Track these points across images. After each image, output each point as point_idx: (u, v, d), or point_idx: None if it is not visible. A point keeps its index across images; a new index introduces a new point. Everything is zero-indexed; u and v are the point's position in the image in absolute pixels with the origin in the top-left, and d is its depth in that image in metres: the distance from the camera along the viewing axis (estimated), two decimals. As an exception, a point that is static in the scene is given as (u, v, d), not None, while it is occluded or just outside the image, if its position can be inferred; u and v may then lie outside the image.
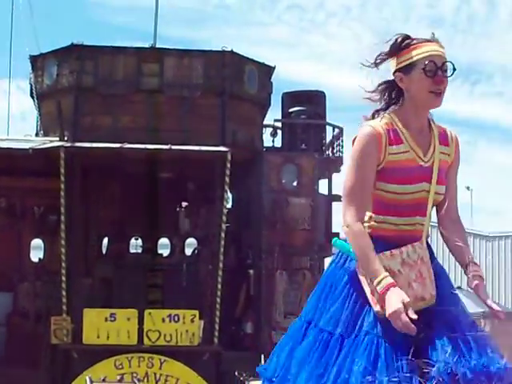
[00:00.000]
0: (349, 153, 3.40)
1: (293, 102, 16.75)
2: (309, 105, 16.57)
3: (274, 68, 15.98)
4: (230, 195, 16.09)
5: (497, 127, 59.83)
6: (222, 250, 14.25)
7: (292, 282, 15.16)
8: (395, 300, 3.07)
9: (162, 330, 13.88)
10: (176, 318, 13.92)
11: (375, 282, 3.13)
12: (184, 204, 16.53)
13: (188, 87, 14.87)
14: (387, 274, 3.15)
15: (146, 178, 15.34)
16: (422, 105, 3.35)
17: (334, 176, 16.67)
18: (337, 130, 16.86)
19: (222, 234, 14.27)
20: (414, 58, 3.30)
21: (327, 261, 16.48)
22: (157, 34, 16.47)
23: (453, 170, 3.50)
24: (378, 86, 3.43)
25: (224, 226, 14.38)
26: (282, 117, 16.79)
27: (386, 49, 3.37)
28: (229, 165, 14.16)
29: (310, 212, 15.44)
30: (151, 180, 15.40)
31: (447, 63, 3.35)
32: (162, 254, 16.62)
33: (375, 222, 3.34)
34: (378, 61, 3.40)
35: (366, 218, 3.33)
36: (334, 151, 16.76)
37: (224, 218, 14.40)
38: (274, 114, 16.86)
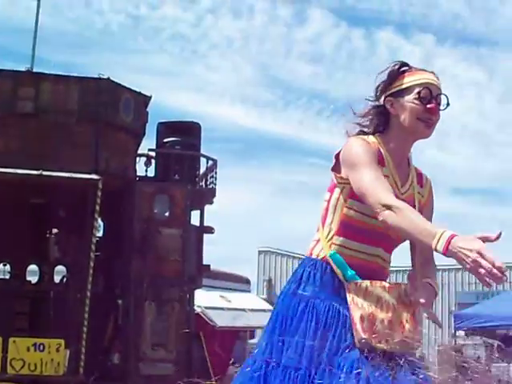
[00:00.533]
0: (346, 158, 3.11)
1: (168, 132, 16.77)
2: (184, 135, 16.62)
3: (150, 97, 16.00)
4: (101, 223, 15.96)
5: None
6: (90, 278, 14.05)
7: (161, 313, 15.10)
8: (473, 241, 2.62)
9: (26, 358, 13.52)
10: (41, 347, 13.60)
11: (436, 239, 2.68)
12: (54, 231, 16.28)
13: (63, 113, 14.63)
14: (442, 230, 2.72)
15: (17, 203, 15.02)
16: (410, 132, 3.14)
17: (207, 207, 16.78)
18: (211, 162, 16.99)
19: (91, 263, 14.09)
20: (409, 84, 3.14)
21: (198, 292, 16.55)
22: (35, 57, 16.17)
23: (427, 213, 3.21)
24: (369, 110, 3.25)
25: (93, 255, 14.20)
26: (157, 147, 16.78)
27: (383, 78, 3.21)
28: (100, 193, 14.02)
29: (181, 243, 15.47)
30: (21, 205, 15.10)
31: (442, 96, 3.16)
32: (30, 281, 16.32)
33: (334, 243, 3.14)
34: (378, 92, 3.23)
35: (329, 236, 3.15)
36: (208, 183, 16.87)
37: (93, 247, 14.23)
38: (149, 143, 16.90)
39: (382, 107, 3.21)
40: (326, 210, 3.20)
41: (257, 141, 60.96)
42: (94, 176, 14.17)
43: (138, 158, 16.20)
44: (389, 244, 3.19)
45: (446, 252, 2.65)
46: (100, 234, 15.97)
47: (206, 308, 18.33)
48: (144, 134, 16.28)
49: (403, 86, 3.14)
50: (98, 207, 14.07)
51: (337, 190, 3.15)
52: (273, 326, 3.11)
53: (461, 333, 17.55)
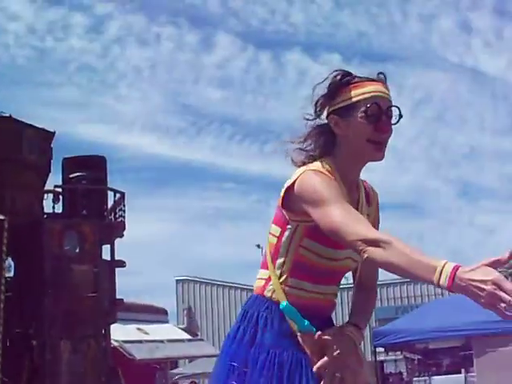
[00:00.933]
0: (306, 196, 2.69)
1: (73, 167, 16.64)
2: (90, 170, 16.52)
3: (53, 133, 15.87)
4: (11, 263, 15.69)
5: (288, 185, 61.82)
6: (1, 320, 13.82)
7: (77, 351, 14.90)
8: (484, 270, 2.24)
9: None
10: (-46, 395, 13.31)
11: (437, 272, 2.31)
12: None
13: (-36, 154, 14.44)
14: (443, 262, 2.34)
15: None
16: (359, 155, 2.77)
17: (117, 241, 16.67)
18: (118, 195, 16.91)
19: (1, 304, 13.86)
20: (354, 99, 2.75)
21: (114, 326, 16.39)
22: None
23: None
24: (311, 131, 2.85)
25: (3, 296, 13.97)
26: (63, 182, 16.63)
27: (323, 91, 2.80)
28: (6, 233, 13.82)
29: (93, 278, 15.33)
30: None
31: (393, 108, 2.78)
32: None
33: (288, 285, 2.79)
34: (319, 108, 2.82)
35: (282, 278, 2.80)
36: (116, 216, 16.78)
37: (3, 288, 14.00)
38: (56, 180, 16.75)
39: (325, 126, 2.83)
40: (277, 249, 2.82)
41: (170, 169, 61.05)
42: (0, 216, 13.96)
43: (45, 195, 16.04)
44: (341, 277, 2.94)
45: (452, 287, 2.29)
46: (10, 273, 15.67)
47: (124, 342, 18.18)
48: (49, 170, 16.11)
49: (348, 102, 2.76)
50: (4, 247, 13.86)
51: (289, 228, 2.78)
52: (227, 377, 2.75)
53: (381, 349, 17.75)
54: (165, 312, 22.61)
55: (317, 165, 2.77)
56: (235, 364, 2.74)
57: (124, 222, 16.54)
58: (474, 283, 2.20)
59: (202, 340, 26.10)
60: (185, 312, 35.71)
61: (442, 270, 2.29)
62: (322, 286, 2.83)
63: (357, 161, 2.80)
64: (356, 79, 2.78)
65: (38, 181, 15.63)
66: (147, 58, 62.72)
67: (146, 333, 19.32)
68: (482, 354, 13.46)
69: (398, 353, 23.63)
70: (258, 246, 37.01)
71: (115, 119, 63.15)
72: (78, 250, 15.50)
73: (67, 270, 15.06)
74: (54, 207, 16.31)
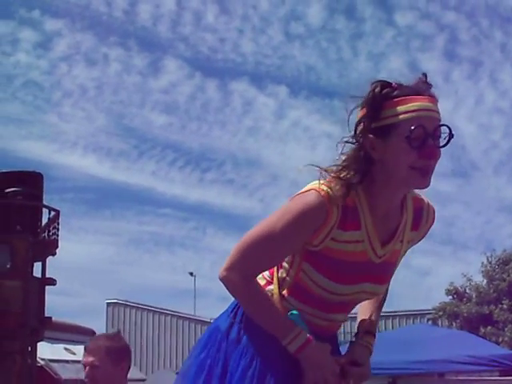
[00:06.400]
0: (280, 208, 2.43)
1: (8, 182, 16.50)
2: (25, 185, 16.40)
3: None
4: None
5: (226, 214, 62.21)
6: None
7: (2, 367, 14.74)
8: (321, 356, 2.39)
9: None
10: None
11: (287, 340, 2.40)
12: None
13: None
14: (300, 329, 2.42)
15: None
16: (401, 183, 2.40)
17: (49, 259, 16.56)
18: (53, 213, 16.82)
19: None
20: (395, 119, 2.32)
21: (41, 345, 16.22)
22: None
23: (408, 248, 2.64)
24: (348, 157, 2.42)
25: None
26: (-2, 197, 16.47)
27: (362, 108, 2.41)
28: None
29: (23, 295, 15.20)
30: None
31: (441, 128, 2.38)
32: None
33: (286, 300, 2.55)
34: (360, 131, 2.41)
35: (282, 292, 2.56)
36: (50, 234, 16.67)
37: None
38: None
39: (362, 149, 2.40)
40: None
41: (110, 191, 60.68)
42: None
43: (-22, 209, 15.87)
44: (352, 307, 2.67)
45: (297, 356, 2.37)
46: None
47: (50, 361, 18.01)
48: (-16, 185, 15.96)
49: (387, 122, 2.33)
50: None
51: None
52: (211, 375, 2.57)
53: None
54: (93, 333, 22.36)
55: (330, 193, 2.36)
56: (217, 361, 2.56)
57: (57, 240, 16.42)
58: (309, 368, 2.38)
59: (129, 364, 25.95)
60: (113, 335, 35.40)
61: (295, 337, 2.40)
62: (329, 315, 2.58)
63: (397, 188, 2.43)
64: (397, 92, 2.35)
65: (-28, 195, 15.50)
66: (94, 78, 62.53)
67: (73, 353, 19.14)
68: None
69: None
70: (191, 273, 37.11)
71: (57, 138, 62.70)
72: (8, 266, 15.38)
73: (-3, 284, 14.92)
74: (-14, 222, 16.14)
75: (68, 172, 61.11)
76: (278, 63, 61.08)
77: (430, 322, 28.23)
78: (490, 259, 30.22)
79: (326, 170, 2.41)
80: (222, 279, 2.45)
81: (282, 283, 2.57)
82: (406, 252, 2.64)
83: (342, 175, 2.38)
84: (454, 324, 29.12)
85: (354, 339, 2.67)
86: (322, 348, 2.43)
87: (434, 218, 2.64)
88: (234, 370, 2.49)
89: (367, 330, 2.66)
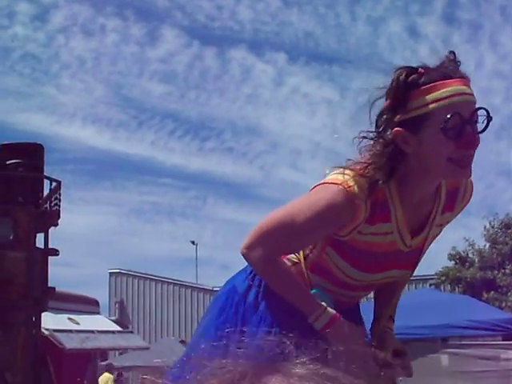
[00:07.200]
0: (308, 196, 2.33)
1: (10, 153, 16.48)
2: (26, 157, 16.39)
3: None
4: None
5: (226, 182, 62.31)
6: None
7: (6, 338, 14.81)
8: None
9: None
10: None
11: (313, 317, 2.34)
12: None
13: None
14: (325, 306, 2.35)
15: None
16: (438, 176, 2.29)
17: (51, 230, 16.59)
18: (54, 184, 16.81)
19: None
20: (427, 109, 2.13)
21: (45, 315, 16.29)
22: None
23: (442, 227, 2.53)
24: (373, 153, 2.24)
25: None
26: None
27: (386, 98, 2.22)
28: None
29: (26, 266, 15.25)
30: None
31: (479, 111, 2.18)
32: None
33: (310, 278, 2.49)
34: (383, 124, 2.23)
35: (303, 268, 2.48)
36: (52, 205, 16.68)
37: None
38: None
39: (390, 143, 2.21)
40: None
41: (110, 162, 60.38)
42: None
43: (-20, 181, 15.88)
44: (375, 288, 2.63)
45: (324, 333, 2.25)
46: None
47: (54, 331, 18.06)
48: (-15, 157, 15.93)
49: (418, 113, 2.13)
50: None
51: None
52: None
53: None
54: (96, 303, 22.47)
55: (357, 189, 2.22)
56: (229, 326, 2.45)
57: (59, 211, 16.42)
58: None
59: (132, 332, 26.11)
60: (117, 305, 35.59)
61: (321, 314, 2.33)
62: (352, 293, 2.52)
63: (433, 179, 2.30)
64: (425, 78, 2.14)
65: (-28, 166, 15.49)
66: (91, 49, 62.13)
67: (77, 323, 19.23)
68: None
69: None
70: (193, 242, 37.15)
71: (56, 109, 62.45)
72: (11, 237, 15.41)
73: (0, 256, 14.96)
74: (-11, 194, 16.16)
75: (68, 143, 60.93)
76: (276, 30, 60.60)
77: (432, 287, 28.26)
78: (492, 223, 30.19)
79: (351, 170, 2.28)
80: (244, 256, 2.38)
81: (305, 259, 2.53)
82: (438, 234, 2.54)
83: (368, 173, 2.24)
84: (457, 289, 29.18)
85: (378, 324, 2.60)
86: (349, 325, 2.38)
87: (471, 194, 2.52)
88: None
89: (390, 315, 2.62)
